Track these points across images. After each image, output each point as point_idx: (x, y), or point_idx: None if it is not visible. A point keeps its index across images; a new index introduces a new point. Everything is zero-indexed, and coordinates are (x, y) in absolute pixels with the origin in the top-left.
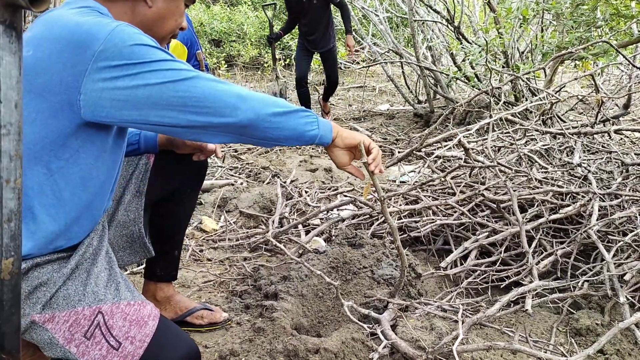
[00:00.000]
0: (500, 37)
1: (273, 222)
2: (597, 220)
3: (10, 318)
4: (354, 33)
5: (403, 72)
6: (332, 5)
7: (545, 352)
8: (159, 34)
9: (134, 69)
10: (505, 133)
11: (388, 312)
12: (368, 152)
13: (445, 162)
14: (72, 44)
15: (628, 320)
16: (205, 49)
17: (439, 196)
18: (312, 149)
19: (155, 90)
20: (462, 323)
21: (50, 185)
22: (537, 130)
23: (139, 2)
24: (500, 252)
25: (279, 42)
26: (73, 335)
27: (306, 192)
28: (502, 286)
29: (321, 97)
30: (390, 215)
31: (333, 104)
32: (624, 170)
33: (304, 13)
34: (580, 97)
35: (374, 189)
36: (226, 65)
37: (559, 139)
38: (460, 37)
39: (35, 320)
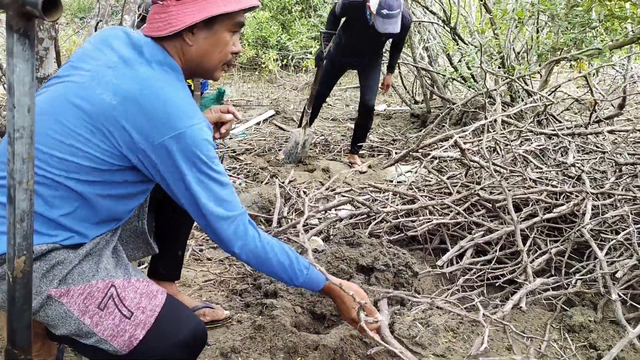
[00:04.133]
0: (496, 38)
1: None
2: (590, 219)
3: (21, 315)
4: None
5: (400, 72)
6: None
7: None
8: (207, 66)
9: (190, 169)
10: (501, 134)
11: (384, 315)
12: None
13: (441, 162)
14: (153, 118)
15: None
16: None
17: (435, 196)
18: (311, 148)
19: (191, 193)
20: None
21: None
22: (531, 131)
23: (183, 42)
24: (496, 251)
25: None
26: (87, 307)
27: (304, 192)
28: (497, 284)
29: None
30: (387, 215)
31: (330, 105)
32: (617, 170)
33: (360, 33)
34: (575, 98)
35: None
36: None
37: (553, 139)
38: (457, 38)
39: (52, 295)
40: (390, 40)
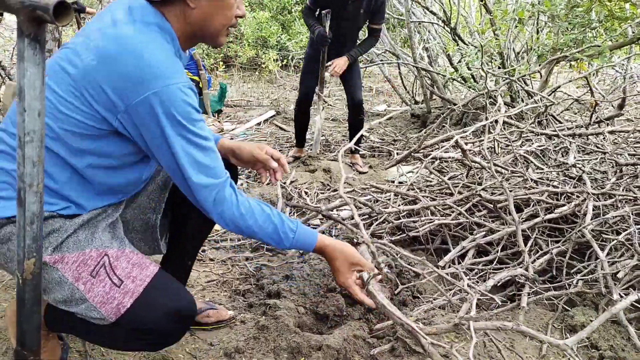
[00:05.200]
0: (496, 39)
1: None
2: (591, 219)
3: (31, 316)
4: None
5: (400, 72)
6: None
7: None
8: (211, 31)
9: (169, 130)
10: (502, 135)
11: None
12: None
13: (442, 162)
14: (131, 76)
15: (618, 306)
16: (203, 50)
17: (437, 196)
18: (311, 149)
19: (172, 156)
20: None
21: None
22: (532, 132)
23: (185, 6)
24: (497, 251)
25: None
26: (80, 274)
27: (306, 192)
28: (498, 284)
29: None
30: (389, 215)
31: (330, 105)
32: (618, 171)
33: (339, 15)
34: (575, 98)
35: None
36: (224, 66)
37: (554, 139)
38: (457, 38)
39: (47, 262)
40: (367, 23)
